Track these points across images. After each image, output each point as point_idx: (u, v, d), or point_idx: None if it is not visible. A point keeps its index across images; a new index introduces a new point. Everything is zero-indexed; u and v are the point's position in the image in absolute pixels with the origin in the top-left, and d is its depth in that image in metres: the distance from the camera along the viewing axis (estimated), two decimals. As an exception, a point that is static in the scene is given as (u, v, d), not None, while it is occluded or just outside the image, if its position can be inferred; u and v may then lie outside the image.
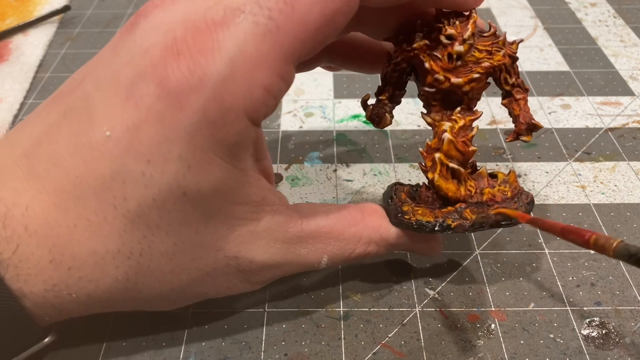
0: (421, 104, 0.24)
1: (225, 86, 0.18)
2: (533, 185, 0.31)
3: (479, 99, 0.24)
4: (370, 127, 0.36)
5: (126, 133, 0.18)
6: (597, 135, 0.35)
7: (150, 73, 0.18)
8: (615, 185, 0.31)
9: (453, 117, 0.23)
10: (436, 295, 0.26)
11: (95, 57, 0.21)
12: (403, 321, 0.25)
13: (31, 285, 0.19)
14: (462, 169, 0.23)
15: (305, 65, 0.27)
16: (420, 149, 0.24)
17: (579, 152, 0.33)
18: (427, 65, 0.23)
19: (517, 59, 0.24)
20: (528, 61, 0.42)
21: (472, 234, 0.28)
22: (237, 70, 0.18)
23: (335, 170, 0.33)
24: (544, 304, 0.25)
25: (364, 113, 0.37)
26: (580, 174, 0.32)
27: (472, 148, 0.23)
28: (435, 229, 0.23)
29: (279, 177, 0.32)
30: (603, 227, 0.29)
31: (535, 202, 0.30)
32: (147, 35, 0.19)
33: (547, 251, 0.28)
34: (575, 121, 0.36)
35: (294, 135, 0.35)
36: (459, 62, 0.22)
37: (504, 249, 0.28)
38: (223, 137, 0.18)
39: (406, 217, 0.23)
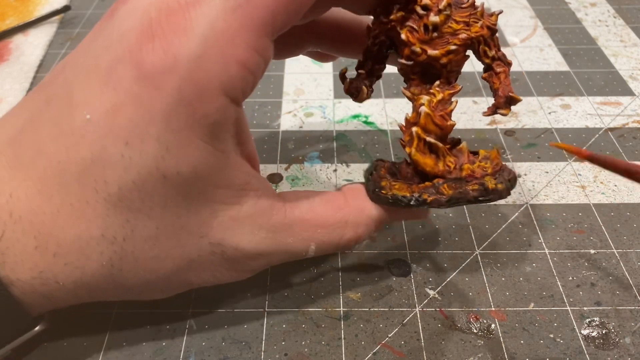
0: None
1: (200, 65, 0.18)
2: (533, 185, 0.31)
3: (458, 73, 0.23)
4: (370, 127, 0.36)
5: (105, 116, 0.18)
6: (597, 135, 0.35)
7: (127, 56, 0.18)
8: (615, 185, 0.31)
9: (431, 91, 0.23)
10: (436, 295, 0.26)
11: (77, 47, 0.21)
12: (403, 321, 0.25)
13: (18, 273, 0.19)
14: (439, 144, 0.23)
15: (290, 49, 0.27)
16: (399, 123, 0.24)
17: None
18: (403, 36, 0.22)
19: (496, 30, 0.23)
20: (528, 61, 0.42)
21: (473, 234, 0.28)
22: (210, 48, 0.18)
23: (335, 170, 0.33)
24: (544, 304, 0.25)
25: (364, 113, 0.37)
26: (580, 174, 0.32)
27: (450, 122, 0.23)
28: (411, 203, 0.22)
29: (278, 177, 0.32)
30: (603, 227, 0.29)
31: (535, 203, 0.30)
32: (124, 19, 0.19)
33: (547, 251, 0.28)
34: (575, 121, 0.36)
35: (294, 135, 0.35)
36: (435, 34, 0.22)
37: (504, 249, 0.28)
38: (201, 117, 0.18)
39: (383, 192, 0.23)
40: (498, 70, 0.23)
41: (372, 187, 0.24)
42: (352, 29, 0.26)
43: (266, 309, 0.25)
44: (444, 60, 0.22)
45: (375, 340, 0.24)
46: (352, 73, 0.25)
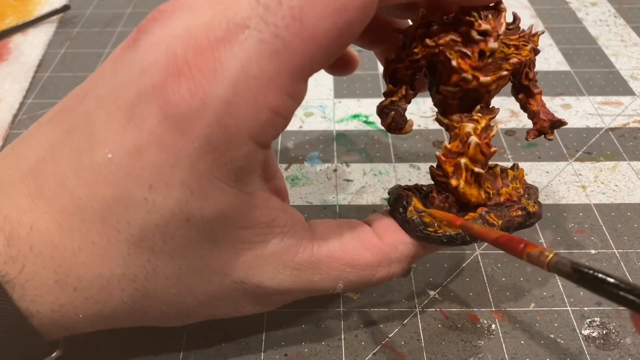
0: (420, 103, 0.24)
1: (229, 111, 0.17)
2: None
3: (496, 94, 0.22)
4: (370, 127, 0.36)
5: (128, 157, 0.18)
6: (598, 135, 0.35)
7: (151, 94, 0.17)
8: (616, 185, 0.31)
9: (474, 118, 0.21)
10: (436, 295, 0.26)
11: (96, 72, 0.20)
12: (403, 321, 0.25)
13: (38, 305, 0.19)
14: (484, 173, 0.22)
15: None
16: (438, 153, 0.22)
17: (580, 152, 0.33)
18: (454, 63, 0.20)
19: (539, 52, 0.22)
20: (528, 61, 0.41)
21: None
22: (240, 93, 0.17)
23: (335, 170, 0.32)
24: (544, 304, 0.25)
25: (364, 113, 0.37)
26: (580, 174, 0.32)
27: (493, 149, 0.22)
28: (467, 239, 0.21)
29: (279, 177, 0.32)
30: (604, 227, 0.29)
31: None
32: (147, 52, 0.18)
33: (547, 251, 0.28)
34: (575, 121, 0.36)
35: (294, 135, 0.35)
36: (490, 60, 0.20)
37: (505, 249, 0.28)
38: (227, 162, 0.18)
39: (431, 229, 0.22)
40: (535, 91, 0.23)
41: (416, 225, 0.22)
42: (386, 23, 0.24)
43: (266, 309, 0.25)
44: (493, 86, 0.21)
45: (375, 340, 0.24)
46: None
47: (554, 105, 0.37)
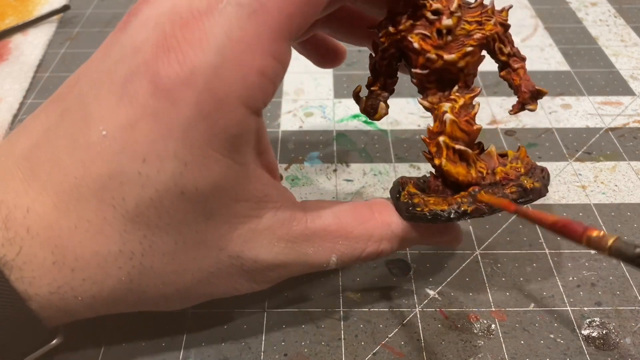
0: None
1: (217, 76, 0.17)
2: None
3: (475, 75, 0.23)
4: (371, 127, 0.36)
5: (121, 132, 0.18)
6: (598, 135, 0.35)
7: (142, 70, 0.18)
8: (616, 185, 0.31)
9: (452, 97, 0.22)
10: (436, 295, 0.26)
11: (90, 58, 0.21)
12: (403, 321, 0.25)
13: (36, 288, 0.19)
14: (469, 150, 0.22)
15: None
16: (423, 136, 0.23)
17: (580, 152, 0.33)
18: (416, 45, 0.21)
19: (509, 26, 0.22)
20: (529, 61, 0.41)
21: (473, 234, 0.28)
22: (227, 58, 0.17)
23: (335, 170, 0.33)
24: (544, 304, 0.25)
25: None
26: (580, 174, 0.32)
27: (476, 126, 0.22)
28: (451, 217, 0.21)
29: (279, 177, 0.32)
30: (604, 227, 0.29)
31: (536, 203, 0.30)
32: (137, 32, 0.19)
33: (547, 251, 0.28)
34: (575, 121, 0.36)
35: (294, 135, 0.35)
36: (450, 37, 0.21)
37: (504, 249, 0.28)
38: (220, 130, 0.18)
39: (418, 209, 0.22)
40: (516, 66, 0.23)
41: (405, 206, 0.22)
42: (359, 18, 0.26)
43: (266, 309, 0.25)
44: (461, 63, 0.22)
45: (375, 340, 0.24)
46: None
47: (554, 105, 0.37)
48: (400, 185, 0.24)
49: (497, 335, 0.24)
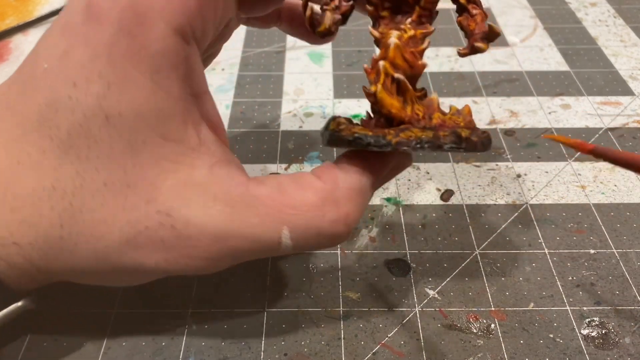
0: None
1: None
2: (533, 185, 0.31)
3: (431, 14, 0.22)
4: (370, 127, 0.36)
5: (58, 61, 0.18)
6: (597, 135, 0.35)
7: (78, 6, 0.18)
8: (615, 185, 0.31)
9: (401, 27, 0.21)
10: (436, 295, 0.26)
11: None
12: (403, 321, 0.25)
13: None
14: (408, 84, 0.21)
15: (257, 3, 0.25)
16: (365, 65, 0.22)
17: (579, 152, 0.33)
18: None
19: None
20: (528, 61, 0.41)
21: (473, 234, 0.28)
22: None
23: (335, 170, 0.33)
24: (543, 304, 0.25)
25: (364, 113, 0.37)
26: (580, 174, 0.32)
27: (421, 62, 0.21)
28: (372, 142, 0.20)
29: (278, 177, 0.32)
30: (603, 227, 0.29)
31: (535, 203, 0.30)
32: None
33: (546, 251, 0.28)
34: (575, 121, 0.36)
35: (293, 135, 0.35)
36: None
37: (504, 248, 0.28)
38: (140, 47, 0.18)
39: (343, 133, 0.20)
40: (474, 12, 0.22)
41: (330, 132, 0.21)
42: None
43: (266, 309, 0.25)
44: None
45: (375, 340, 0.24)
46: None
47: (553, 105, 0.37)
48: (332, 119, 0.22)
49: (496, 334, 0.24)
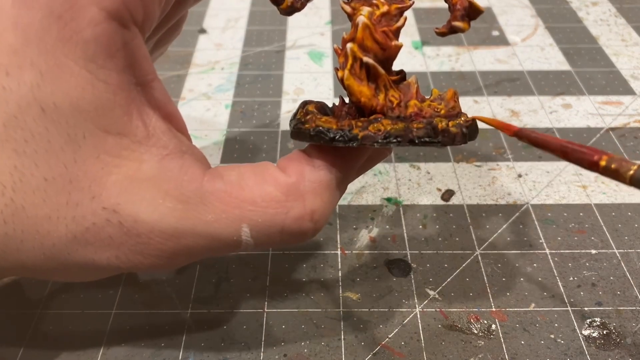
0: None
1: None
2: (534, 185, 0.31)
3: None
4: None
5: None
6: (598, 135, 0.35)
7: None
8: (617, 185, 0.31)
9: (375, 2, 0.19)
10: (436, 296, 0.26)
11: None
12: (403, 321, 0.25)
13: None
14: (380, 69, 0.19)
15: None
16: (335, 45, 0.20)
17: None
18: None
19: None
20: (529, 60, 0.41)
21: (473, 234, 0.28)
22: None
23: (335, 170, 0.32)
24: (544, 305, 0.25)
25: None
26: (581, 174, 0.32)
27: (395, 42, 0.19)
28: (336, 137, 0.18)
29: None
30: (604, 227, 0.29)
31: (536, 203, 0.30)
32: None
33: (547, 251, 0.27)
34: (576, 121, 0.36)
35: (294, 135, 0.35)
36: None
37: (505, 249, 0.28)
38: (72, 33, 0.16)
39: (306, 125, 0.19)
40: None
41: (294, 123, 0.20)
42: None
43: (266, 310, 0.25)
44: None
45: (375, 340, 0.24)
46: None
47: (555, 104, 0.37)
48: (301, 107, 0.21)
49: (497, 335, 0.24)
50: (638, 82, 0.39)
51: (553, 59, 0.42)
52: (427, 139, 0.18)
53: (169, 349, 0.24)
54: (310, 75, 0.40)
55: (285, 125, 0.36)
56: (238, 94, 0.38)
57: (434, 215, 0.30)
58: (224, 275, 0.27)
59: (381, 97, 0.19)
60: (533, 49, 0.43)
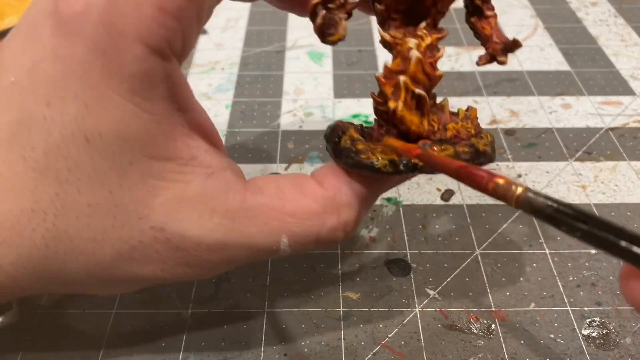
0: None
1: (111, 8, 0.16)
2: (533, 185, 0.31)
3: (444, 15, 0.21)
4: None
5: (27, 75, 0.17)
6: (598, 135, 0.35)
7: (44, 8, 0.17)
8: (616, 185, 0.31)
9: (418, 34, 0.20)
10: (436, 295, 0.26)
11: None
12: (403, 321, 0.25)
13: None
14: (427, 98, 0.20)
15: None
16: (377, 74, 0.20)
17: (580, 152, 0.33)
18: None
19: None
20: (529, 60, 0.41)
21: (473, 234, 0.28)
22: None
23: (335, 170, 0.32)
24: (544, 304, 0.25)
25: (364, 113, 0.37)
26: (580, 174, 0.32)
27: (439, 72, 0.20)
28: (400, 168, 0.19)
29: (278, 177, 0.32)
30: (604, 227, 0.29)
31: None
32: None
33: (547, 251, 0.28)
34: (575, 121, 0.36)
35: (294, 135, 0.35)
36: None
37: (505, 249, 0.28)
38: (117, 68, 0.17)
39: (362, 156, 0.19)
40: (488, 14, 0.21)
41: (347, 152, 0.20)
42: None
43: (266, 309, 0.25)
44: None
45: (375, 340, 0.24)
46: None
47: (554, 105, 0.37)
48: (339, 129, 0.21)
49: (497, 335, 0.24)
50: (637, 82, 0.39)
51: (553, 59, 0.42)
52: (473, 162, 0.20)
53: (169, 348, 0.24)
54: (310, 76, 0.40)
55: (285, 125, 0.36)
56: (238, 94, 0.38)
57: (434, 215, 0.30)
58: (224, 275, 0.27)
59: (425, 122, 0.20)
60: (533, 49, 0.43)
